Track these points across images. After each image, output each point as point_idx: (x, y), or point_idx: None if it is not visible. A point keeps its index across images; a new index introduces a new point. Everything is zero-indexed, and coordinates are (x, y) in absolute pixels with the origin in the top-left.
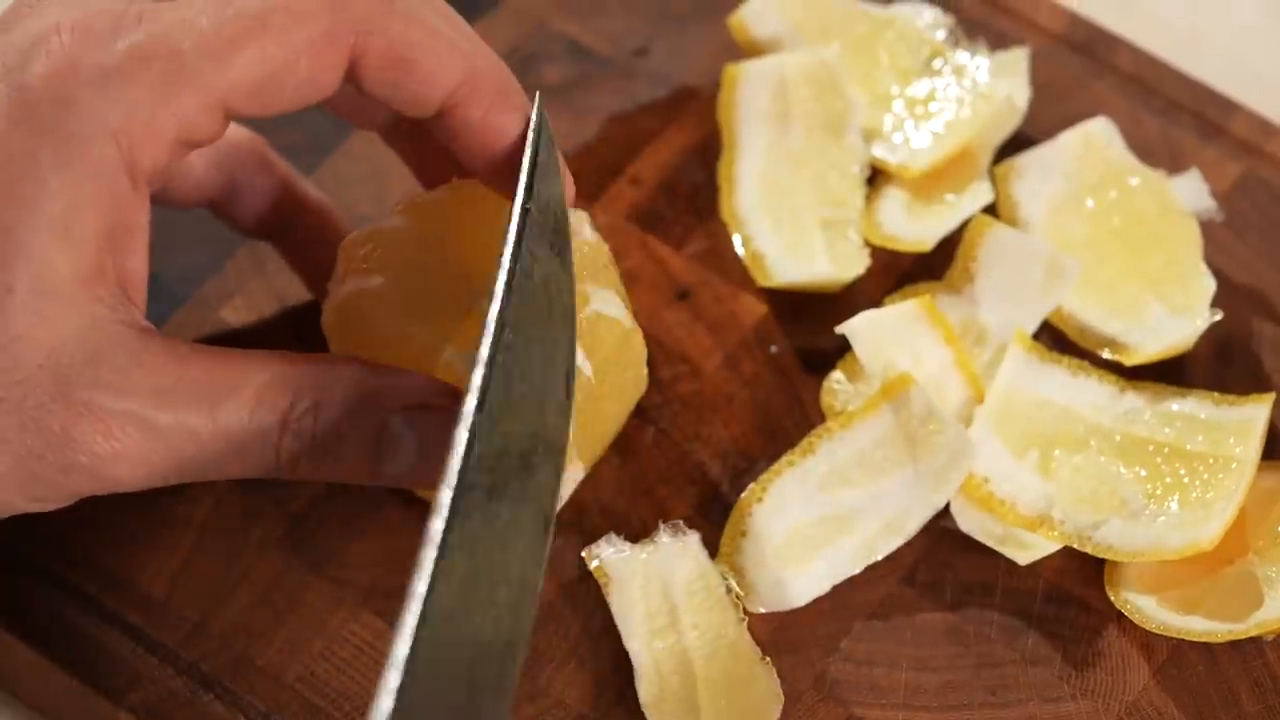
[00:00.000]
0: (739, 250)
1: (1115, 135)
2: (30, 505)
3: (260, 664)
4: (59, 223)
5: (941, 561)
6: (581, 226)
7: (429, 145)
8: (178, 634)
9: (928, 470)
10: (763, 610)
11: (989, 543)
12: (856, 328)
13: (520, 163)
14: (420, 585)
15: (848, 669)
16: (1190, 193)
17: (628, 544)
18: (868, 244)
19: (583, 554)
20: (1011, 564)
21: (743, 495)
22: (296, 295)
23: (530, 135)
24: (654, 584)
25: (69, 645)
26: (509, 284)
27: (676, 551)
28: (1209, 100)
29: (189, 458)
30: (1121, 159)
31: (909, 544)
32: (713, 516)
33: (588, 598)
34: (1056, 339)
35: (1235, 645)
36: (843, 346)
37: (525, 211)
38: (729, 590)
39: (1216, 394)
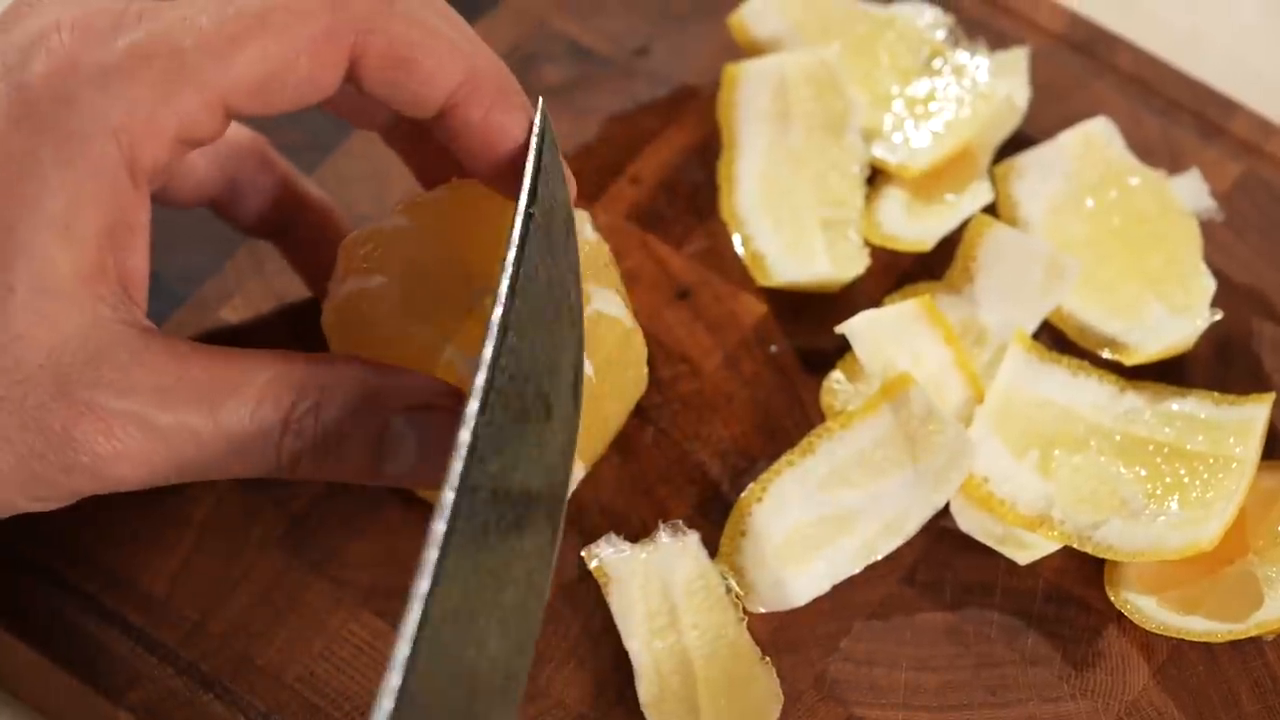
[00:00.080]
0: (739, 250)
1: (1115, 135)
2: (31, 505)
3: (260, 664)
4: (60, 221)
5: (941, 561)
6: (582, 226)
7: (429, 145)
8: (178, 633)
9: (927, 470)
10: (762, 610)
11: (989, 543)
12: (856, 327)
13: (523, 165)
14: (423, 585)
15: (847, 669)
16: (1190, 192)
17: (627, 544)
18: (868, 244)
19: (582, 554)
20: (1011, 564)
21: (742, 495)
22: (296, 295)
23: (534, 138)
24: (654, 584)
25: (69, 645)
26: (512, 287)
27: (676, 551)
28: (1209, 100)
29: (190, 457)
30: (1121, 159)
31: (909, 544)
32: (713, 516)
33: (588, 598)
34: (1056, 339)
35: (1235, 645)
36: (843, 346)
37: (529, 215)
38: (729, 590)
39: (1216, 394)
